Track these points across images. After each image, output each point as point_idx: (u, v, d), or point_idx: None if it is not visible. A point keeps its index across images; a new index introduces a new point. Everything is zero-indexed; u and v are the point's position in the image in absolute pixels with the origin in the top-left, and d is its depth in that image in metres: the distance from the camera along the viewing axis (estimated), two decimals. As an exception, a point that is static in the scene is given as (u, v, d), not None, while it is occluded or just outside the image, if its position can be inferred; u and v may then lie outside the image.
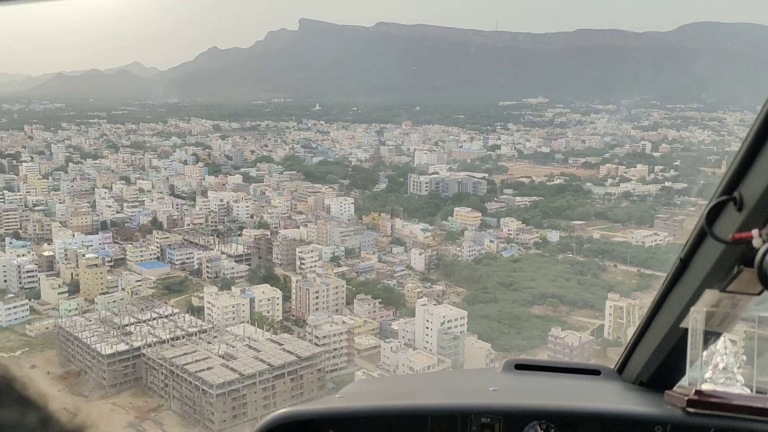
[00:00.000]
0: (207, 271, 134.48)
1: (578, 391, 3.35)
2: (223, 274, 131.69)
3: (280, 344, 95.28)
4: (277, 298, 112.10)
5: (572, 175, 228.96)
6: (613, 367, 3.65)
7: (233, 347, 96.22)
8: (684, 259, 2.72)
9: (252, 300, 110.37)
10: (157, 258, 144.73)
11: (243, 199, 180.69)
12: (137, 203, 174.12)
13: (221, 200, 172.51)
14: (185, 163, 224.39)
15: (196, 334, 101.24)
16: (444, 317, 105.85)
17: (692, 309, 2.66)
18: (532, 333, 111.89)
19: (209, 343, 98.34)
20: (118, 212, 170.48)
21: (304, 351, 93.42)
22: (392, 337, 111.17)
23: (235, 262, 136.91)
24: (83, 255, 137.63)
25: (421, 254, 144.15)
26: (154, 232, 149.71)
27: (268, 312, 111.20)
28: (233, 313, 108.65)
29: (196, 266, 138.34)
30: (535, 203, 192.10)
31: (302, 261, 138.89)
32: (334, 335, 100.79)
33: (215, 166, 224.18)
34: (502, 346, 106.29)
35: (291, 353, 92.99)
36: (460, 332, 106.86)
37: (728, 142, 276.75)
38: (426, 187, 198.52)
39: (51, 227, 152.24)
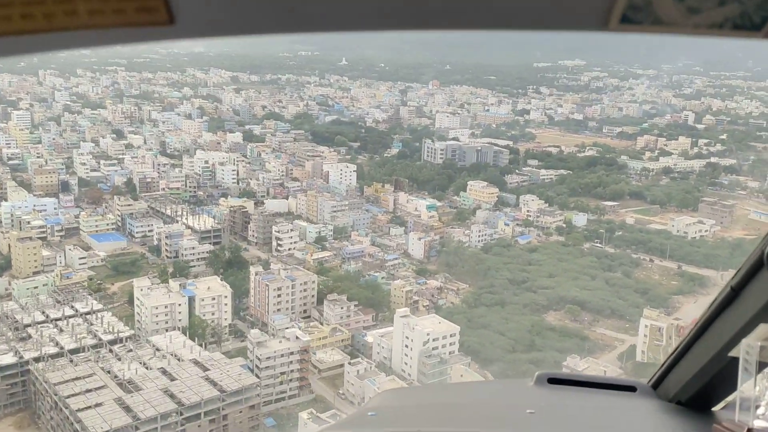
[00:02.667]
0: (166, 250, 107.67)
1: (615, 410, 3.09)
2: (182, 254, 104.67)
3: (206, 369, 68.11)
4: (225, 297, 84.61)
5: (606, 146, 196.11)
6: (647, 382, 3.33)
7: (146, 368, 69.43)
8: (735, 288, 2.54)
9: (192, 299, 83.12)
10: (116, 229, 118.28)
11: (236, 161, 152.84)
12: (116, 161, 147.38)
13: (206, 162, 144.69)
14: (189, 117, 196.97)
15: (105, 345, 74.57)
16: (428, 335, 77.53)
17: (744, 341, 2.46)
18: (545, 355, 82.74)
19: (119, 359, 71.67)
20: (94, 170, 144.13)
21: (234, 381, 66.18)
22: (364, 354, 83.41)
23: (201, 239, 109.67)
24: (28, 222, 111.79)
25: (420, 239, 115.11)
26: (115, 198, 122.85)
27: (213, 314, 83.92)
28: (166, 315, 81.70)
29: (156, 242, 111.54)
30: (561, 178, 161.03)
31: (279, 242, 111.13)
32: (282, 355, 73.22)
33: (219, 121, 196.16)
34: (502, 372, 77.73)
35: (215, 384, 65.83)
36: (449, 354, 78.55)
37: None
38: (441, 154, 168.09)
39: (7, 185, 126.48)
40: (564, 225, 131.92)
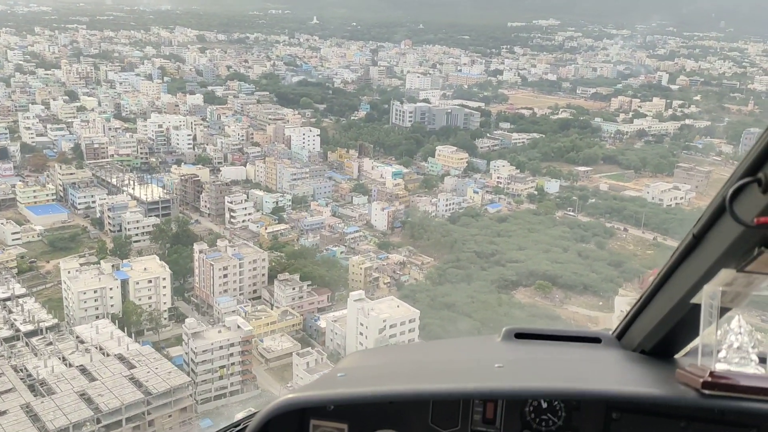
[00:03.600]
0: (109, 224, 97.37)
1: (581, 361, 3.18)
2: (125, 228, 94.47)
3: (131, 366, 58.83)
4: (164, 279, 74.87)
5: (580, 108, 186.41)
6: (612, 332, 3.44)
7: (66, 365, 60.05)
8: (697, 235, 2.61)
9: (125, 282, 73.29)
10: (59, 200, 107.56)
11: (193, 125, 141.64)
12: (64, 125, 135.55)
13: (159, 126, 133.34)
14: (150, 77, 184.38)
15: (21, 337, 64.93)
16: (385, 321, 68.75)
17: (706, 287, 2.57)
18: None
19: (36, 355, 62.14)
20: (40, 135, 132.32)
21: (162, 381, 57.07)
22: (317, 341, 74.59)
23: (149, 211, 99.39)
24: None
25: (384, 209, 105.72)
26: (56, 166, 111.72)
27: (150, 298, 74.25)
28: (96, 301, 71.91)
29: (99, 214, 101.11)
30: (534, 142, 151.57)
31: (233, 213, 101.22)
32: (221, 347, 64.05)
33: (181, 82, 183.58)
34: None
35: (140, 385, 56.64)
36: (408, 341, 69.88)
37: (752, 75, 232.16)
38: (410, 117, 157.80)
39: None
40: (536, 192, 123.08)
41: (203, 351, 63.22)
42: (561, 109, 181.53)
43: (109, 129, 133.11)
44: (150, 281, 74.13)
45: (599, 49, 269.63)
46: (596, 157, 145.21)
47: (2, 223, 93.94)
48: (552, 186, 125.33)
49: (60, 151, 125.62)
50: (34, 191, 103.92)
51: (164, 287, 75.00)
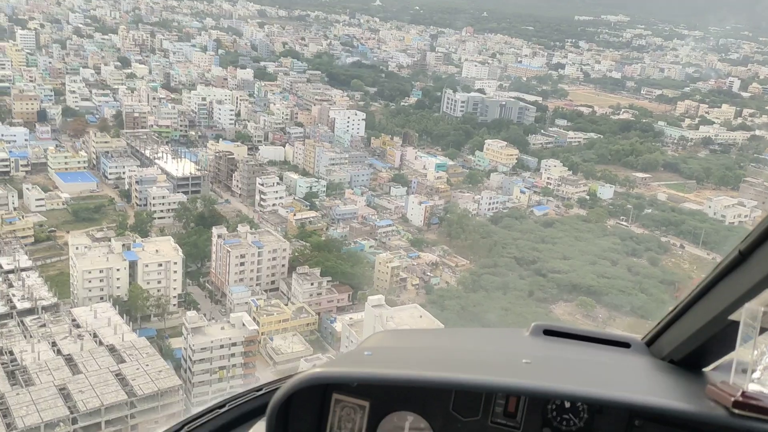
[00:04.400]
0: (136, 197, 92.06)
1: (608, 364, 3.09)
2: (150, 204, 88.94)
3: (122, 361, 52.81)
4: (175, 263, 68.74)
5: (643, 110, 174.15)
6: (642, 339, 3.29)
7: (54, 351, 54.38)
8: (744, 252, 2.55)
9: (134, 263, 67.42)
10: (91, 167, 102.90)
11: (238, 100, 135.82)
12: (109, 92, 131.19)
13: (203, 99, 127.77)
14: (205, 49, 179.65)
15: (14, 315, 59.60)
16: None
17: (747, 305, 2.50)
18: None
19: (26, 338, 56.67)
20: (84, 99, 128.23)
21: (151, 381, 50.86)
22: (331, 345, 67.63)
23: (178, 187, 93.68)
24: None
25: (421, 203, 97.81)
26: (92, 132, 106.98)
27: (160, 282, 68.27)
28: (101, 281, 66.25)
29: (127, 186, 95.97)
30: (591, 142, 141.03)
31: (263, 196, 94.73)
32: (222, 346, 57.52)
33: (235, 56, 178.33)
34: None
35: (126, 384, 50.55)
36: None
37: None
38: (462, 107, 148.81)
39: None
40: (587, 197, 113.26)
41: (202, 349, 56.81)
42: (623, 110, 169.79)
43: (153, 99, 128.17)
44: (160, 264, 68.06)
45: (668, 49, 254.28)
46: (656, 163, 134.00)
47: (27, 189, 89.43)
48: (605, 191, 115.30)
49: (102, 117, 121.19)
50: (65, 157, 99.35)
51: (175, 272, 68.86)
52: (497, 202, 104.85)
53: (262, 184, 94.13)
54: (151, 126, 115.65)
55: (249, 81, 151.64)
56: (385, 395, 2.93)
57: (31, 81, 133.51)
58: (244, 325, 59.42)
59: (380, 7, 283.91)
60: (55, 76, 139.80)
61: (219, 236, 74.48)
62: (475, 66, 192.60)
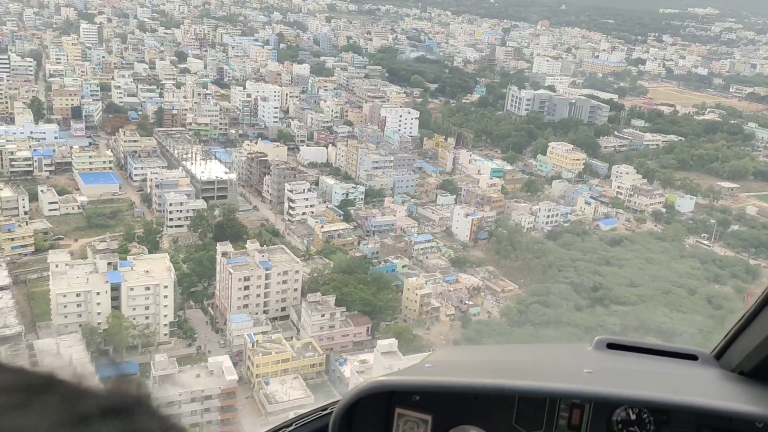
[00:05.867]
0: (156, 202, 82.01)
1: (674, 376, 2.96)
2: (167, 210, 78.55)
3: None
4: (165, 286, 57.65)
5: (731, 109, 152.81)
6: (710, 352, 3.16)
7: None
8: None
9: (116, 286, 56.66)
10: (120, 167, 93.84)
11: (288, 96, 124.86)
12: (156, 87, 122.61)
13: (248, 95, 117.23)
14: (267, 43, 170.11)
15: (-34, 350, 49.80)
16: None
17: None
18: None
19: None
20: (130, 95, 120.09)
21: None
22: (338, 391, 54.92)
23: (202, 191, 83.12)
24: (11, 153, 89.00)
25: (468, 216, 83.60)
26: (120, 131, 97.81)
27: (147, 309, 57.33)
28: (79, 306, 55.79)
29: (148, 190, 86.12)
30: (671, 146, 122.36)
31: (292, 204, 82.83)
32: (193, 400, 45.82)
33: (295, 50, 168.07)
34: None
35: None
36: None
37: None
38: (527, 105, 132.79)
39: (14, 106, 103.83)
40: (664, 209, 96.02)
41: (168, 403, 45.09)
42: (708, 109, 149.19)
43: (199, 95, 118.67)
44: (148, 288, 57.06)
45: (761, 44, 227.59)
46: (745, 171, 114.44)
47: (42, 191, 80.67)
48: (685, 203, 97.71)
49: (144, 113, 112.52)
50: (90, 156, 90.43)
51: (165, 296, 57.67)
52: (557, 214, 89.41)
53: (291, 191, 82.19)
54: (190, 124, 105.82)
55: (304, 76, 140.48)
56: (447, 409, 2.79)
57: (82, 75, 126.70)
58: (224, 371, 47.45)
59: (453, 0, 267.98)
60: (108, 71, 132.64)
61: (224, 254, 62.83)
62: (547, 61, 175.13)
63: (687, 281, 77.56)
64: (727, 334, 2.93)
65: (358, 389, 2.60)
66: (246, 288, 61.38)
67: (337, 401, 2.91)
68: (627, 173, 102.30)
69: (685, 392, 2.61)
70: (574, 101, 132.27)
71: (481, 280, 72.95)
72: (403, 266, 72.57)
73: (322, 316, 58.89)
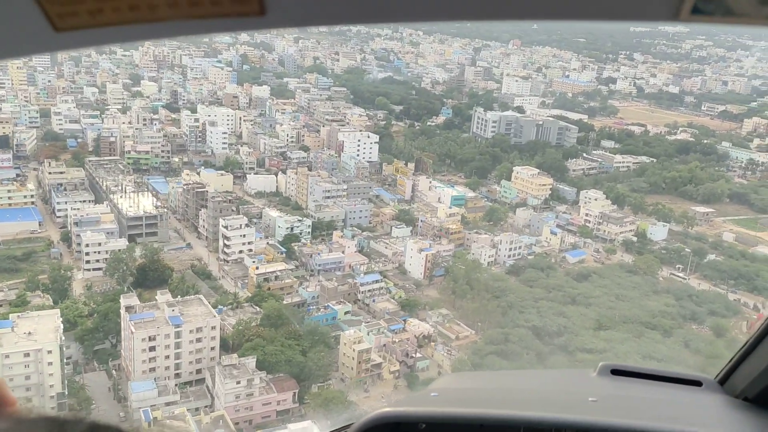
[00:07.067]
0: (75, 242, 71.84)
1: (680, 403, 2.91)
2: (84, 252, 68.44)
3: None
4: (49, 351, 47.68)
5: (704, 128, 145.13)
6: (714, 377, 3.15)
7: None
8: None
9: (-10, 353, 46.67)
10: (45, 201, 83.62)
11: (242, 120, 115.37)
12: (98, 113, 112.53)
13: (195, 120, 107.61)
14: (228, 65, 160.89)
15: None
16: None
17: None
18: None
19: None
20: (72, 122, 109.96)
21: None
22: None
23: (128, 228, 73.15)
24: None
25: (422, 251, 74.12)
26: (45, 163, 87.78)
27: (28, 378, 47.23)
28: (-58, 377, 45.82)
29: (69, 228, 75.92)
30: (642, 167, 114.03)
31: (227, 241, 72.98)
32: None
33: (257, 72, 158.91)
34: None
35: None
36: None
37: None
38: (493, 127, 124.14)
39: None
40: (635, 238, 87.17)
41: None
42: (680, 128, 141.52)
43: (145, 120, 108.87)
44: (27, 354, 46.96)
45: (731, 60, 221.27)
46: (720, 193, 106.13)
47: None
48: (658, 231, 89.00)
49: (83, 141, 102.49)
50: (9, 191, 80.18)
51: (50, 364, 47.54)
52: (521, 246, 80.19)
53: (226, 227, 72.38)
54: (128, 152, 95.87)
55: (263, 99, 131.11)
56: None
57: (26, 101, 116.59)
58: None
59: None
60: (53, 96, 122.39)
61: (128, 308, 52.81)
62: (516, 81, 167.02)
63: (661, 321, 68.45)
64: (731, 360, 2.79)
65: (366, 419, 2.57)
66: (152, 349, 51.33)
67: (342, 428, 2.85)
68: (596, 199, 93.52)
69: (691, 421, 2.48)
70: (541, 123, 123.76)
71: (432, 325, 63.44)
72: (346, 313, 62.95)
73: (238, 383, 48.93)
